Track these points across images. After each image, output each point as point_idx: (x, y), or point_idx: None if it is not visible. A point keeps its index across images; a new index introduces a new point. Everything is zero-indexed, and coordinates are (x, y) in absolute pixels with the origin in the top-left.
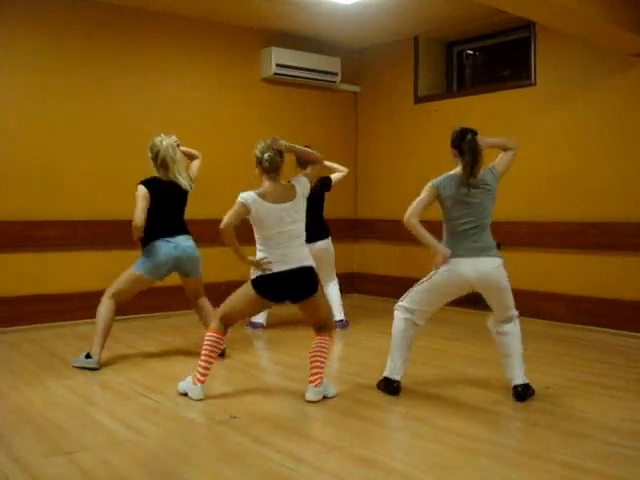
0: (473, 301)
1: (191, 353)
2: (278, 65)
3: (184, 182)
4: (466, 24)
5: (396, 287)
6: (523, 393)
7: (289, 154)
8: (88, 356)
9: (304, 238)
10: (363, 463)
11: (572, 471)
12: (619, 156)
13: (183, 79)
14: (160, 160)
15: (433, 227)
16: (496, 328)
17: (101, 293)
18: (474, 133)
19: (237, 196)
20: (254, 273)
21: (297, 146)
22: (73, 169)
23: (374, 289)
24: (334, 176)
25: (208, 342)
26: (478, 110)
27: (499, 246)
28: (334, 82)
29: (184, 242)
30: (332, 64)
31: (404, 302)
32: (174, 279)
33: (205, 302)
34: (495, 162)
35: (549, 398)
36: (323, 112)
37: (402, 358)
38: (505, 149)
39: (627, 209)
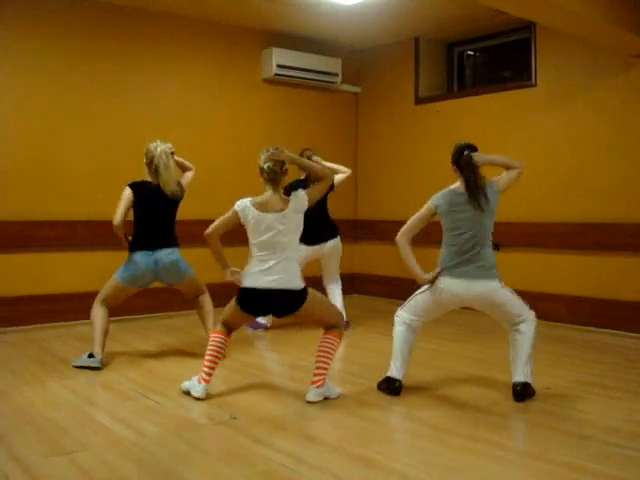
0: None
1: (192, 354)
2: (279, 66)
3: (171, 189)
4: (467, 25)
5: (396, 288)
6: (522, 392)
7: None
8: (91, 355)
9: (292, 253)
10: (363, 463)
11: (572, 472)
12: (619, 157)
13: (183, 79)
14: (154, 166)
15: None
16: (513, 327)
17: None
18: (472, 150)
19: (238, 199)
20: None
21: (301, 159)
22: (73, 169)
23: (374, 290)
24: (337, 177)
25: (211, 342)
26: (479, 111)
27: (499, 247)
28: (335, 83)
29: (166, 256)
30: (333, 65)
31: (403, 311)
32: None
33: (205, 300)
34: (497, 178)
35: (549, 399)
36: (324, 113)
37: (403, 359)
38: (507, 168)
39: (627, 210)
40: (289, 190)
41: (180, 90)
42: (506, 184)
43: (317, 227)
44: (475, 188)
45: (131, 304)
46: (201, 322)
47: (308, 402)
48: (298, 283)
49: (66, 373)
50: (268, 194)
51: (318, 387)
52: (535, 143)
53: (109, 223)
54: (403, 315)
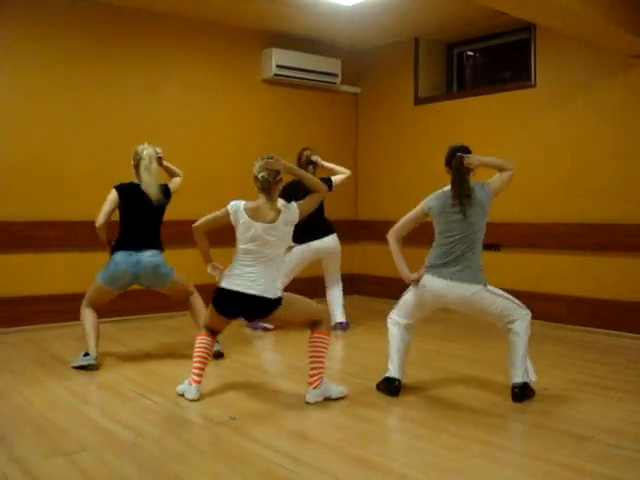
0: None
1: (190, 354)
2: (278, 66)
3: (153, 192)
4: (467, 26)
5: (396, 288)
6: (520, 393)
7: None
8: (86, 354)
9: (275, 263)
10: (362, 464)
11: (572, 473)
12: (619, 157)
13: (183, 80)
14: (138, 168)
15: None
16: (505, 327)
17: None
18: (464, 151)
19: (236, 199)
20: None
21: (296, 168)
22: (73, 169)
23: (374, 290)
24: (335, 178)
25: (198, 345)
26: (478, 111)
27: (499, 248)
28: (334, 83)
29: (148, 258)
30: (332, 65)
31: (394, 314)
32: None
33: (195, 300)
34: (490, 180)
35: (548, 399)
36: (323, 113)
37: (400, 359)
38: (500, 170)
39: (627, 210)
40: (286, 192)
41: (180, 90)
42: (498, 186)
43: (312, 226)
44: (459, 191)
45: (130, 304)
46: (195, 322)
47: (307, 403)
48: (274, 292)
49: (65, 374)
50: (261, 201)
51: (315, 388)
52: (535, 144)
53: (110, 224)
54: (394, 317)
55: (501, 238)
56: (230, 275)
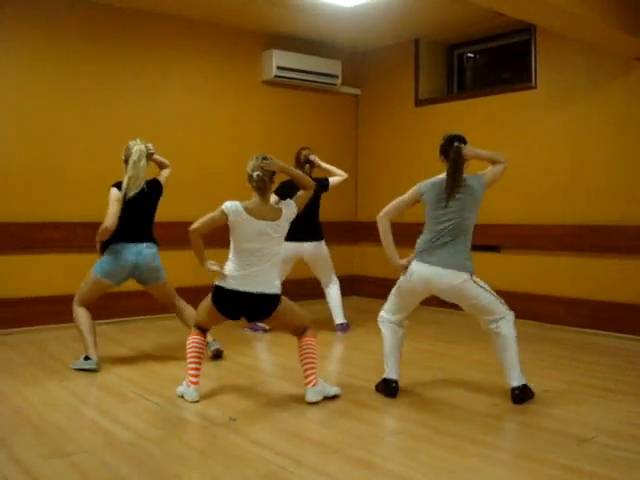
0: None
1: None
2: (279, 68)
3: (139, 185)
4: (467, 27)
5: None
6: (521, 395)
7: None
8: (87, 358)
9: (277, 260)
10: (362, 465)
11: (571, 474)
12: (619, 159)
13: (184, 81)
14: (127, 163)
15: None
16: (487, 327)
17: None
18: (461, 141)
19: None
20: (217, 280)
21: (290, 167)
22: (74, 171)
23: (374, 292)
24: (332, 179)
25: (190, 345)
26: (479, 113)
27: (498, 249)
28: (335, 85)
29: (146, 249)
30: (333, 67)
31: (383, 313)
32: (173, 280)
33: (181, 303)
34: (484, 172)
35: (548, 401)
36: (324, 115)
37: (395, 358)
38: (494, 163)
39: (626, 212)
40: (281, 191)
41: (180, 92)
42: (491, 178)
43: (298, 226)
44: (454, 181)
45: (130, 305)
46: (185, 324)
47: (309, 403)
48: (277, 289)
49: (65, 375)
50: (257, 201)
51: (314, 386)
52: (535, 145)
53: None
54: (384, 315)
55: (500, 239)
56: (234, 276)
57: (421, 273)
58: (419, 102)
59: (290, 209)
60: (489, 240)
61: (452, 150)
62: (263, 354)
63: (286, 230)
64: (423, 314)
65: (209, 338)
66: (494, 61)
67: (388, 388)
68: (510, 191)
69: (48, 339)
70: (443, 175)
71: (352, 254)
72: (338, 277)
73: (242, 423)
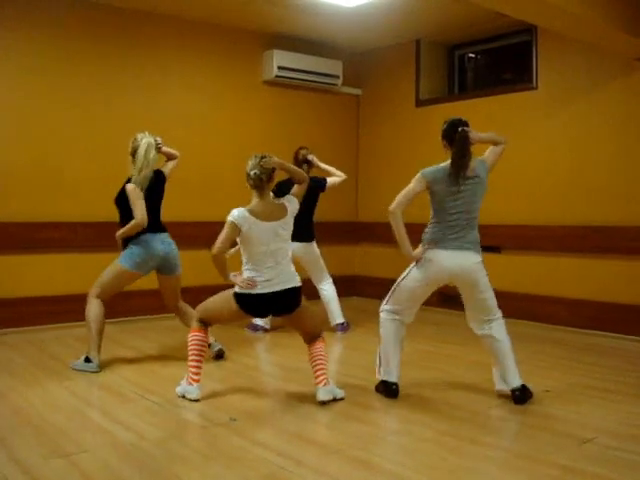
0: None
1: None
2: (280, 68)
3: (146, 175)
4: (468, 27)
5: None
6: (521, 396)
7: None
8: (87, 360)
9: (290, 255)
10: (362, 466)
11: (572, 475)
12: (620, 159)
13: (184, 81)
14: (135, 155)
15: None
16: (481, 330)
17: None
18: (464, 125)
19: (238, 201)
20: (238, 287)
21: (287, 164)
22: (74, 171)
23: (375, 292)
24: (330, 179)
25: (192, 342)
26: (480, 113)
27: (499, 250)
28: (336, 85)
29: (167, 239)
30: (334, 67)
31: (388, 305)
32: None
33: (185, 305)
34: (485, 155)
35: (548, 401)
36: (324, 115)
37: (396, 359)
38: (495, 144)
39: (628, 213)
40: (280, 189)
41: (181, 92)
42: (493, 161)
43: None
44: (462, 166)
45: (130, 305)
46: (187, 326)
47: (320, 402)
48: (299, 281)
49: (65, 375)
50: (259, 202)
51: (325, 385)
52: (536, 145)
53: (110, 225)
54: (388, 308)
55: (502, 240)
56: (261, 282)
57: (439, 259)
58: (420, 102)
59: (293, 204)
60: (490, 241)
61: (458, 134)
62: (264, 354)
63: (292, 225)
64: (423, 314)
65: (211, 339)
66: (495, 62)
67: (388, 389)
68: (511, 191)
69: (48, 339)
70: (447, 162)
71: (353, 254)
72: (339, 277)
73: (243, 423)
